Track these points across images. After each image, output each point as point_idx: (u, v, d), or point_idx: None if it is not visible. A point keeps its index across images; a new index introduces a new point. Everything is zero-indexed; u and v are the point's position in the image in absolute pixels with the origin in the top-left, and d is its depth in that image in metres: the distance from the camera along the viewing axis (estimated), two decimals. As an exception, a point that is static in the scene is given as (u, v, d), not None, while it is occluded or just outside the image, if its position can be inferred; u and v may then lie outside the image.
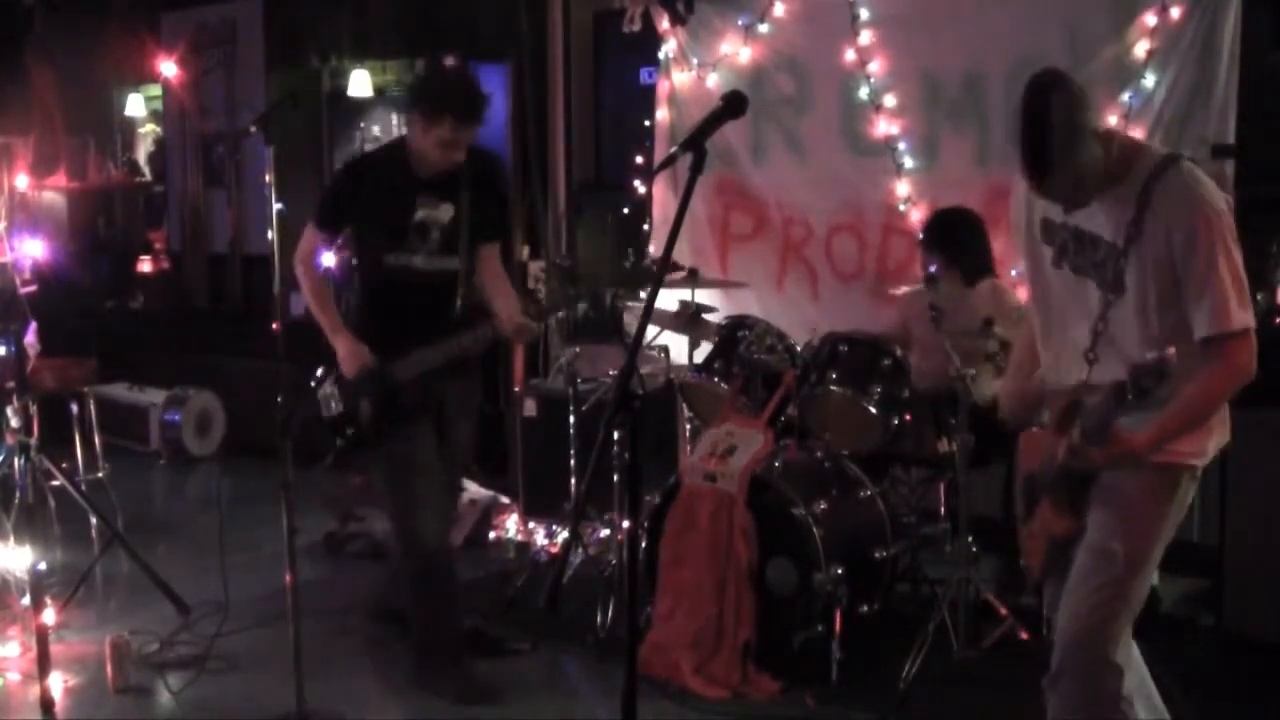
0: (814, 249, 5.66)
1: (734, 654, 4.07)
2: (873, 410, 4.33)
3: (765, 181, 5.78)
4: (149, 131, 9.78)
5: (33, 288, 5.53)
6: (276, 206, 3.80)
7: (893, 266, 5.39)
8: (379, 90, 7.45)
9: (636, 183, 6.23)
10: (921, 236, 4.77)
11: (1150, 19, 4.59)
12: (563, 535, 5.39)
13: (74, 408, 6.02)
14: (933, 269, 4.44)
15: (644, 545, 4.35)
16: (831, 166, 5.55)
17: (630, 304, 5.70)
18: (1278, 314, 4.36)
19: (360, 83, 7.31)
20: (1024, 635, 4.10)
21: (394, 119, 7.52)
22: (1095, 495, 2.84)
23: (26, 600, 4.36)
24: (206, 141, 8.47)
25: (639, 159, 6.22)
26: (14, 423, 4.90)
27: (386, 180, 3.99)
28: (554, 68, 6.55)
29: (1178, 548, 2.93)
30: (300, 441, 3.76)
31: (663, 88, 6.05)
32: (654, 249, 6.11)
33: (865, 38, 5.32)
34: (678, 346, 4.99)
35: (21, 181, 8.86)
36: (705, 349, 4.85)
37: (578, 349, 5.03)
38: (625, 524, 4.43)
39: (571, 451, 4.92)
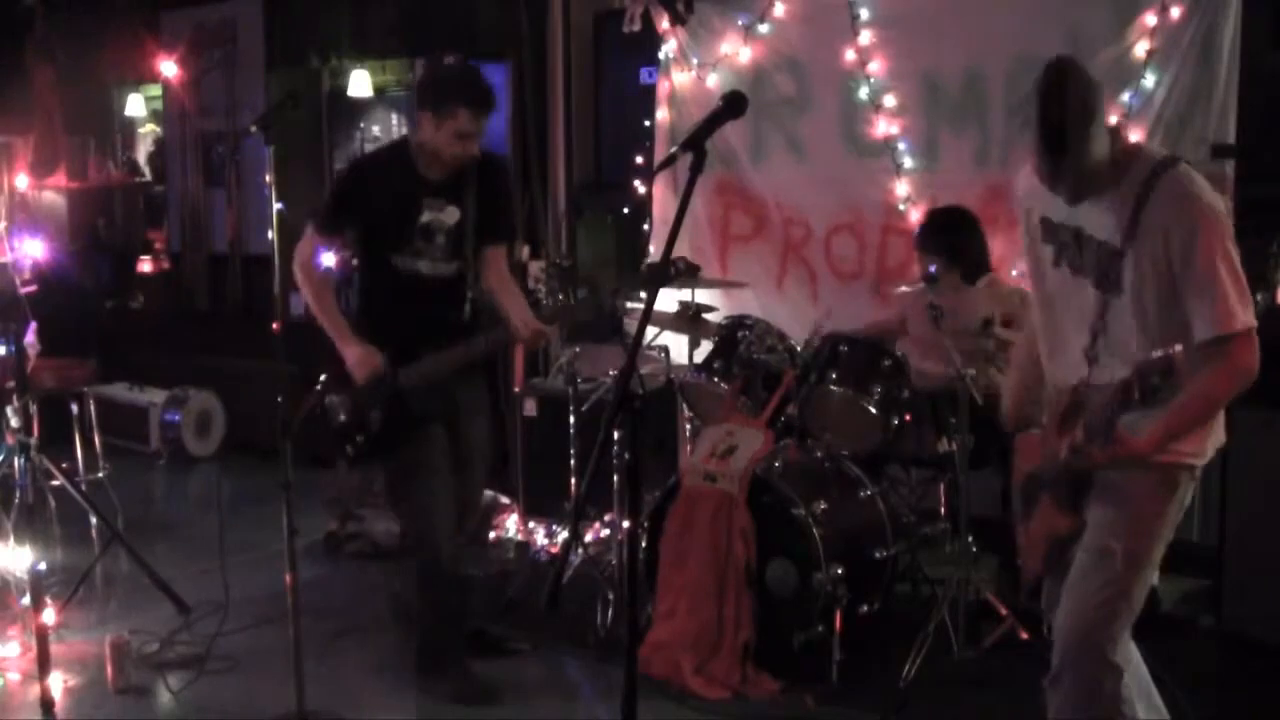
0: (814, 249, 5.66)
1: (734, 654, 4.07)
2: (873, 410, 4.34)
3: (765, 182, 5.78)
4: (149, 131, 9.78)
5: (33, 288, 5.53)
6: (276, 206, 3.81)
7: (892, 266, 5.39)
8: (379, 90, 7.46)
9: (636, 183, 6.23)
10: (919, 237, 4.77)
11: (1150, 19, 4.59)
12: (563, 535, 5.39)
13: (74, 408, 6.02)
14: (932, 269, 4.44)
15: (644, 545, 4.35)
16: (831, 167, 5.55)
17: (630, 304, 5.71)
18: (1278, 314, 4.36)
19: (360, 83, 7.31)
20: (1024, 635, 4.10)
21: (394, 119, 7.53)
22: (1095, 494, 2.85)
23: (26, 600, 4.36)
24: (206, 141, 8.47)
25: (639, 159, 6.22)
26: (14, 423, 4.91)
27: (391, 182, 3.95)
28: (554, 68, 6.55)
29: (1178, 548, 2.93)
30: (305, 444, 3.76)
31: (663, 88, 6.05)
32: (654, 249, 6.12)
33: (865, 38, 5.32)
34: (678, 346, 4.99)
35: (21, 181, 8.87)
36: (705, 349, 4.85)
37: (578, 349, 5.02)
38: (625, 524, 4.43)
39: (571, 451, 4.92)
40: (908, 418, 4.42)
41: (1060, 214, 2.85)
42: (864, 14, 5.30)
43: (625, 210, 6.38)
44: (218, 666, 4.24)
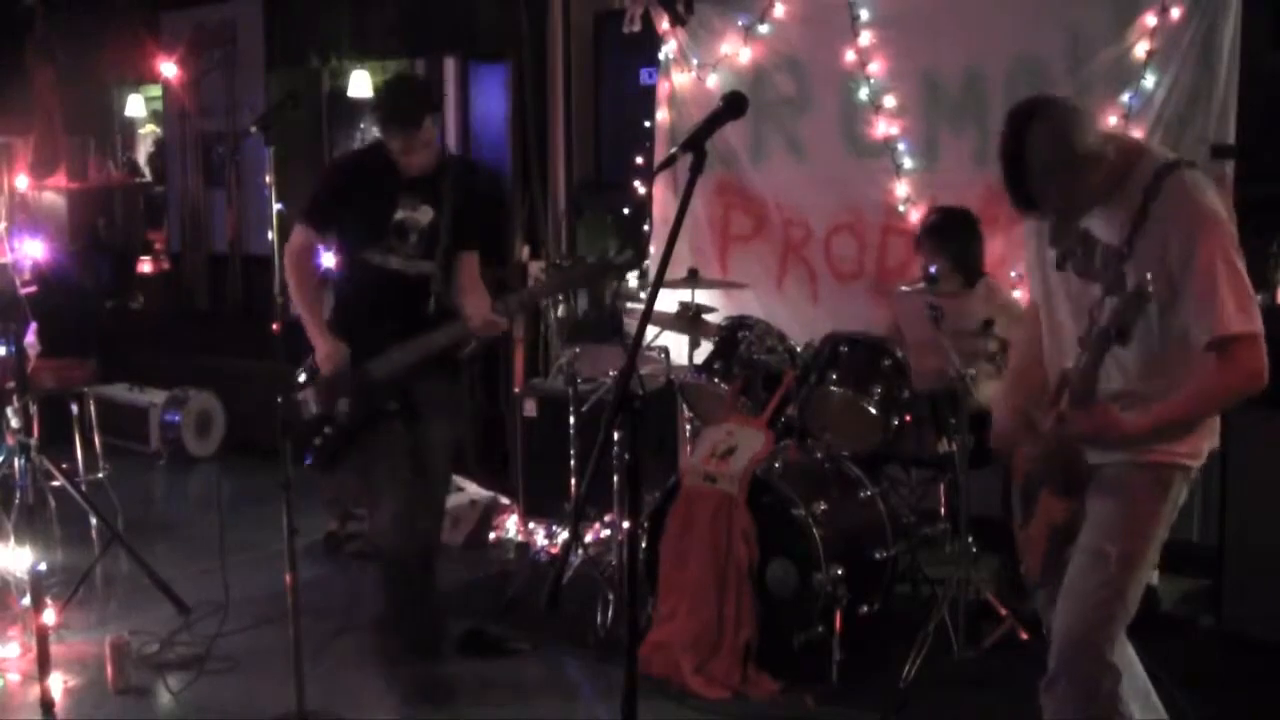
0: (814, 249, 5.66)
1: (734, 654, 4.07)
2: (873, 410, 4.34)
3: (765, 182, 5.78)
4: (149, 131, 9.79)
5: (33, 288, 5.53)
6: (276, 206, 3.83)
7: (892, 266, 5.39)
8: (379, 90, 7.45)
9: (636, 183, 6.23)
10: (921, 236, 4.77)
11: (1150, 19, 4.59)
12: (563, 535, 5.39)
13: (74, 408, 6.02)
14: (932, 269, 4.44)
15: (644, 545, 4.35)
16: (831, 167, 5.55)
17: (630, 305, 5.72)
18: (1278, 314, 4.36)
19: (360, 83, 7.31)
20: (1024, 635, 4.10)
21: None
22: (1091, 493, 2.85)
23: (26, 600, 4.36)
24: (206, 141, 8.47)
25: (639, 159, 6.22)
26: (14, 423, 4.90)
27: (370, 179, 4.02)
28: (554, 68, 6.55)
29: (1178, 548, 2.93)
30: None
31: (663, 88, 6.05)
32: (654, 249, 6.12)
33: (865, 38, 5.31)
34: (678, 347, 4.99)
35: (21, 181, 8.87)
36: (705, 349, 4.85)
37: (578, 349, 5.02)
38: (625, 524, 4.43)
39: (571, 451, 4.92)
40: (908, 418, 4.42)
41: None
42: (864, 14, 5.30)
43: (625, 210, 6.38)
44: (218, 666, 4.24)
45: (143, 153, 9.89)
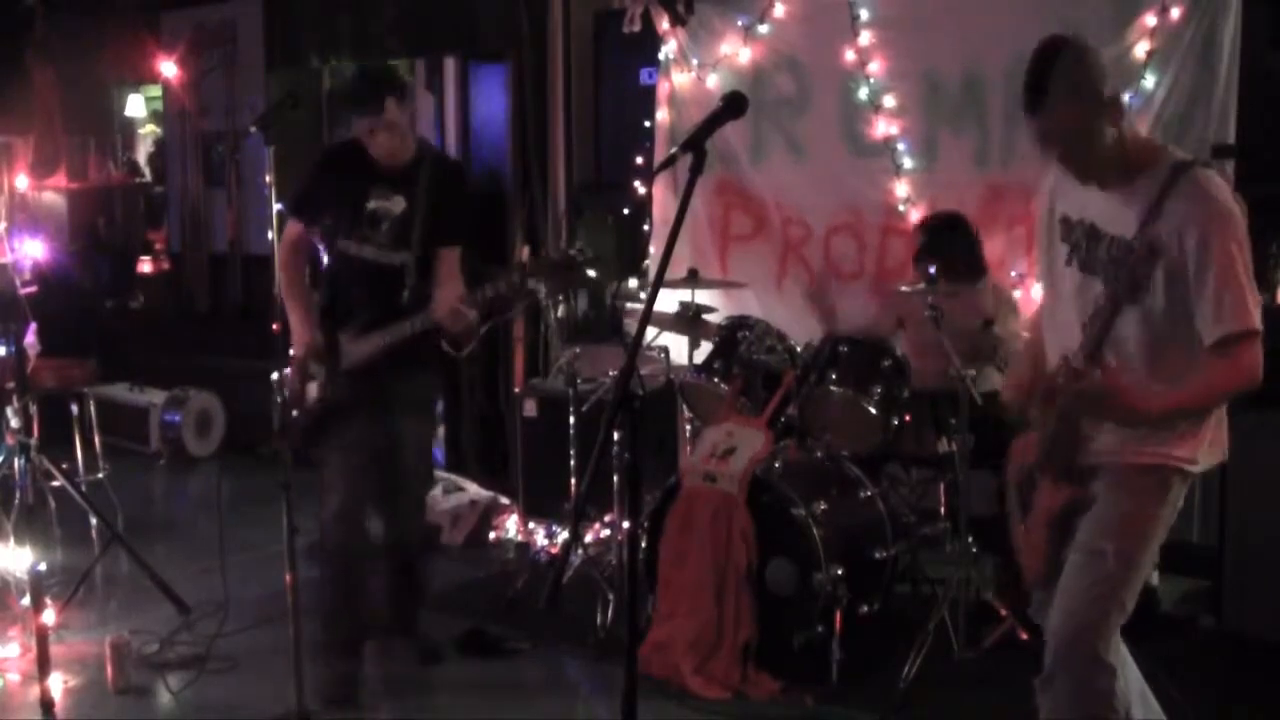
0: (813, 249, 5.66)
1: (734, 654, 4.07)
2: (873, 410, 4.34)
3: (765, 182, 5.78)
4: (149, 131, 9.80)
5: (33, 288, 5.53)
6: (276, 206, 3.82)
7: (892, 266, 5.38)
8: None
9: (636, 183, 6.23)
10: (917, 243, 4.78)
11: (1150, 19, 4.59)
12: (563, 535, 5.39)
13: (74, 408, 6.02)
14: (932, 270, 4.44)
15: (644, 545, 4.35)
16: (831, 167, 5.55)
17: (630, 305, 5.72)
18: (1278, 315, 4.36)
19: (360, 83, 7.30)
20: (1024, 635, 4.10)
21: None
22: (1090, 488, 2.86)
23: (26, 600, 4.36)
24: (206, 141, 8.47)
25: (639, 159, 6.21)
26: (14, 423, 4.90)
27: (345, 169, 4.05)
28: (554, 68, 6.55)
29: (1178, 548, 2.94)
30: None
31: (663, 88, 6.05)
32: (654, 249, 6.12)
33: (865, 38, 5.31)
34: (678, 346, 4.99)
35: (21, 181, 8.87)
36: (705, 349, 4.85)
37: (578, 349, 5.03)
38: (625, 524, 4.44)
39: (571, 451, 4.92)
40: (908, 418, 4.42)
41: (1077, 211, 2.86)
42: (864, 14, 5.30)
43: (625, 210, 6.37)
44: (218, 666, 4.24)
45: (143, 153, 9.90)
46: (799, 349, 4.67)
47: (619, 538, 4.59)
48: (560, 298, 6.09)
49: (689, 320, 4.79)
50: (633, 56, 6.26)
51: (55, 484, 5.14)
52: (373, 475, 4.06)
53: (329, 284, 4.20)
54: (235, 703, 4.03)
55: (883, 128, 5.32)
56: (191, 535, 5.80)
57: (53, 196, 9.07)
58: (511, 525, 5.73)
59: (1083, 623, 2.80)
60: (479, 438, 6.80)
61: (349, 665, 4.05)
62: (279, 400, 4.02)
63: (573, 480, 4.94)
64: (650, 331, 4.86)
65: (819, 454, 4.46)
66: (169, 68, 8.30)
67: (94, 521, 5.26)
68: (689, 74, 5.91)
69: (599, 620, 4.43)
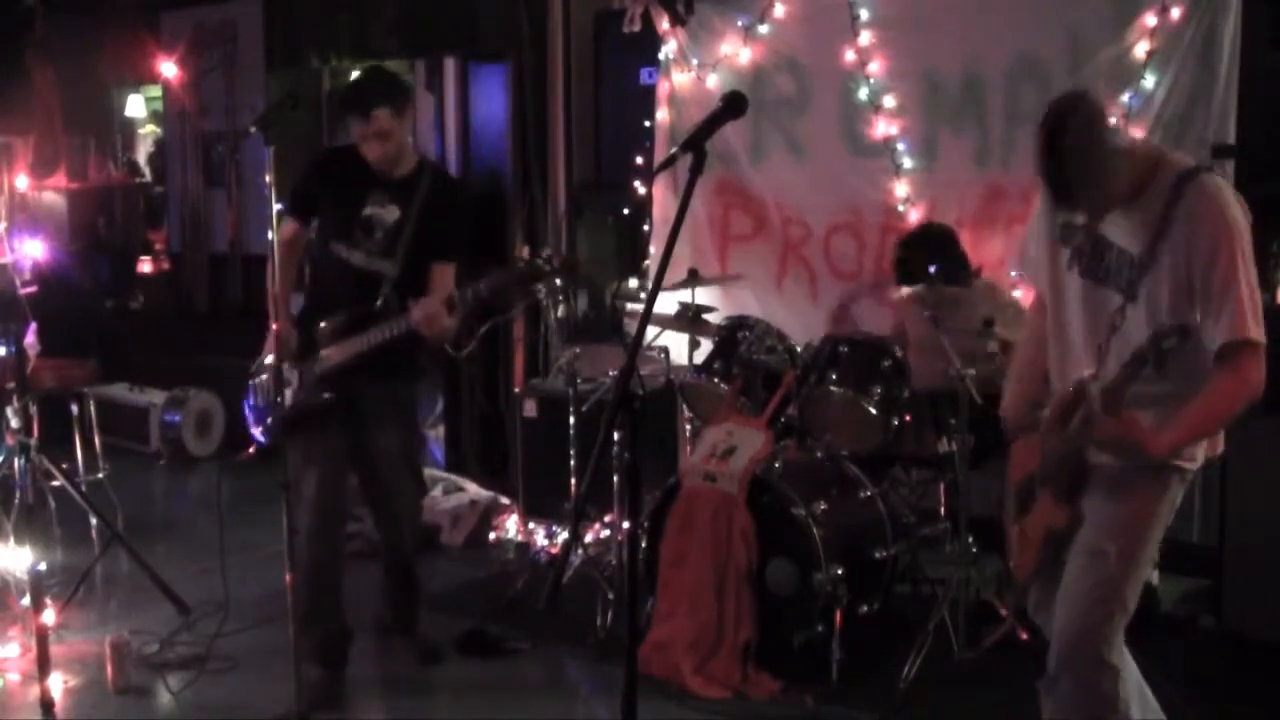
0: (813, 249, 5.66)
1: (734, 654, 4.07)
2: (873, 410, 4.34)
3: (765, 182, 5.78)
4: (149, 131, 9.80)
5: (33, 288, 5.53)
6: (276, 206, 3.81)
7: (891, 266, 5.38)
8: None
9: (636, 183, 6.23)
10: (896, 263, 4.78)
11: (1150, 19, 4.58)
12: (563, 535, 5.39)
13: (74, 408, 6.02)
14: (931, 270, 4.44)
15: (644, 545, 4.35)
16: (831, 167, 5.55)
17: (630, 305, 5.71)
18: (1278, 314, 4.35)
19: (360, 83, 7.30)
20: (1024, 635, 4.10)
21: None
22: (1089, 493, 2.86)
23: (26, 600, 4.36)
24: (206, 141, 8.47)
25: (639, 159, 6.21)
26: (14, 423, 4.90)
27: (343, 172, 4.06)
28: (554, 68, 6.55)
29: (1178, 548, 2.95)
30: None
31: (663, 88, 6.05)
32: (654, 249, 6.12)
33: (865, 38, 5.31)
34: (678, 346, 4.99)
35: (21, 181, 8.87)
36: (705, 349, 4.85)
37: (578, 349, 5.03)
38: (625, 524, 4.44)
39: (571, 451, 4.92)
40: (908, 418, 4.42)
41: (1082, 218, 2.86)
42: (864, 14, 5.30)
43: (625, 210, 6.37)
44: (218, 666, 4.24)
45: (143, 153, 9.90)
46: (799, 349, 4.67)
47: (619, 538, 4.59)
48: (560, 298, 6.09)
49: (689, 320, 4.79)
50: (633, 56, 6.26)
51: (55, 484, 5.14)
52: (346, 480, 4.07)
53: (314, 284, 4.21)
54: (235, 703, 4.03)
55: (883, 128, 5.32)
56: (191, 535, 5.80)
57: (53, 196, 9.06)
58: (511, 525, 5.73)
59: (1087, 624, 2.80)
60: (479, 438, 6.80)
61: (326, 668, 4.03)
62: (255, 400, 4.04)
63: (573, 480, 4.94)
64: (650, 331, 4.86)
65: (819, 454, 4.46)
66: (169, 68, 8.30)
67: (94, 521, 5.26)
68: (689, 74, 5.91)
69: (599, 620, 4.43)
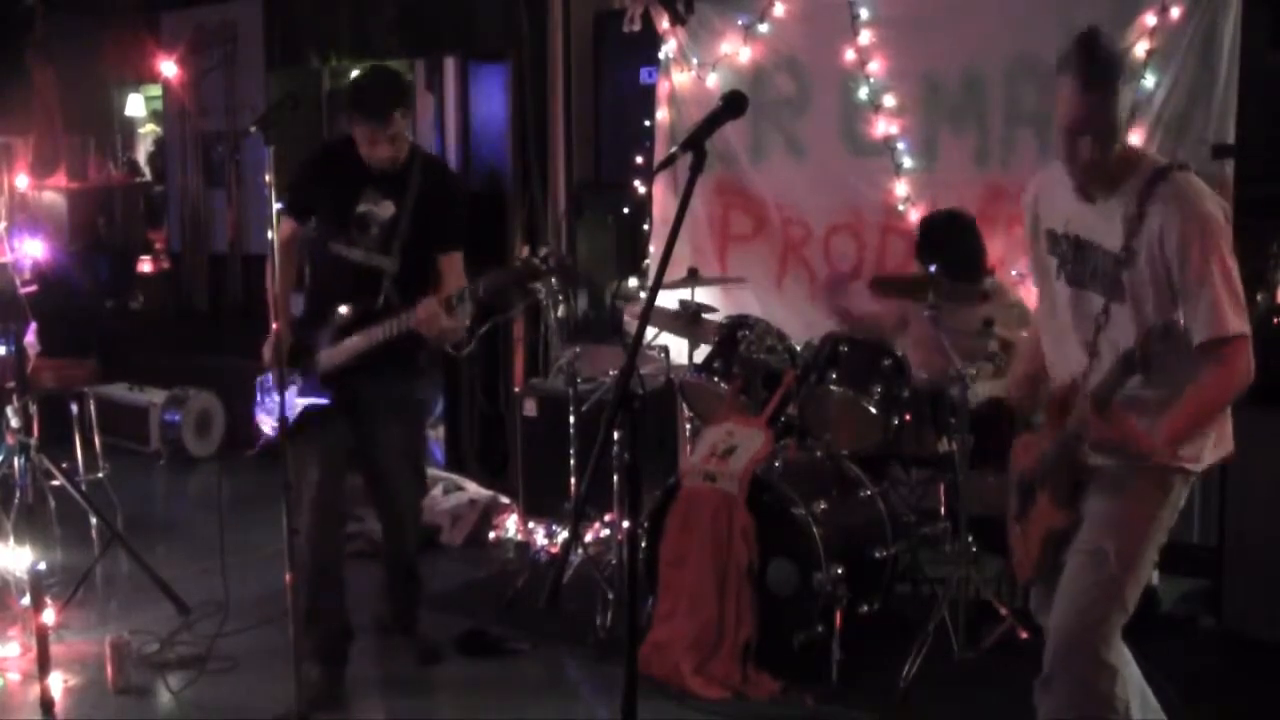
0: (813, 249, 5.66)
1: (734, 654, 4.07)
2: (873, 410, 4.33)
3: (765, 181, 5.77)
4: (149, 131, 9.80)
5: (33, 288, 5.52)
6: (276, 206, 3.81)
7: (891, 267, 5.38)
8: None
9: (636, 183, 6.23)
10: (917, 244, 4.78)
11: (1150, 19, 4.58)
12: (563, 535, 5.39)
13: (74, 408, 6.02)
14: (932, 269, 4.44)
15: (644, 545, 4.35)
16: (830, 167, 5.55)
17: (630, 304, 5.71)
18: (1278, 314, 4.36)
19: (360, 83, 7.30)
20: (1024, 635, 4.10)
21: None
22: (1090, 493, 2.86)
23: (26, 600, 4.36)
24: (206, 141, 8.47)
25: (639, 159, 6.21)
26: (14, 423, 4.91)
27: (337, 170, 4.06)
28: (554, 68, 6.55)
29: (1178, 548, 2.94)
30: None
31: (663, 88, 6.05)
32: (654, 249, 6.12)
33: (865, 38, 5.31)
34: (678, 346, 4.99)
35: (21, 181, 8.87)
36: (705, 349, 4.85)
37: (578, 349, 5.03)
38: (625, 524, 4.43)
39: (571, 451, 4.92)
40: (908, 418, 4.42)
41: (1061, 225, 2.87)
42: (864, 14, 5.30)
43: (625, 210, 6.37)
44: (218, 666, 4.24)
45: (143, 153, 9.90)
46: (799, 349, 4.67)
47: (619, 538, 4.59)
48: (560, 297, 6.09)
49: (689, 320, 4.79)
50: (633, 56, 6.26)
51: (55, 484, 5.14)
52: (346, 479, 4.07)
53: (315, 283, 4.21)
54: (235, 703, 4.03)
55: (882, 127, 5.32)
56: (191, 535, 5.80)
57: (53, 196, 9.06)
58: (511, 525, 5.73)
59: (1084, 623, 2.80)
60: (479, 438, 6.80)
61: (325, 668, 4.03)
62: (263, 400, 4.04)
63: (573, 480, 4.94)
64: (650, 331, 4.86)
65: (819, 454, 4.46)
66: (169, 68, 8.30)
67: (94, 521, 5.26)
68: (689, 73, 5.91)
69: (599, 620, 4.43)
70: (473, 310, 3.96)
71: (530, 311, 6.44)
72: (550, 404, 5.51)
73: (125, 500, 5.72)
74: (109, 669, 4.11)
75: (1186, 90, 4.55)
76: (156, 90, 9.01)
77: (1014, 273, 4.88)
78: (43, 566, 4.04)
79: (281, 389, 3.69)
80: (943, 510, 4.59)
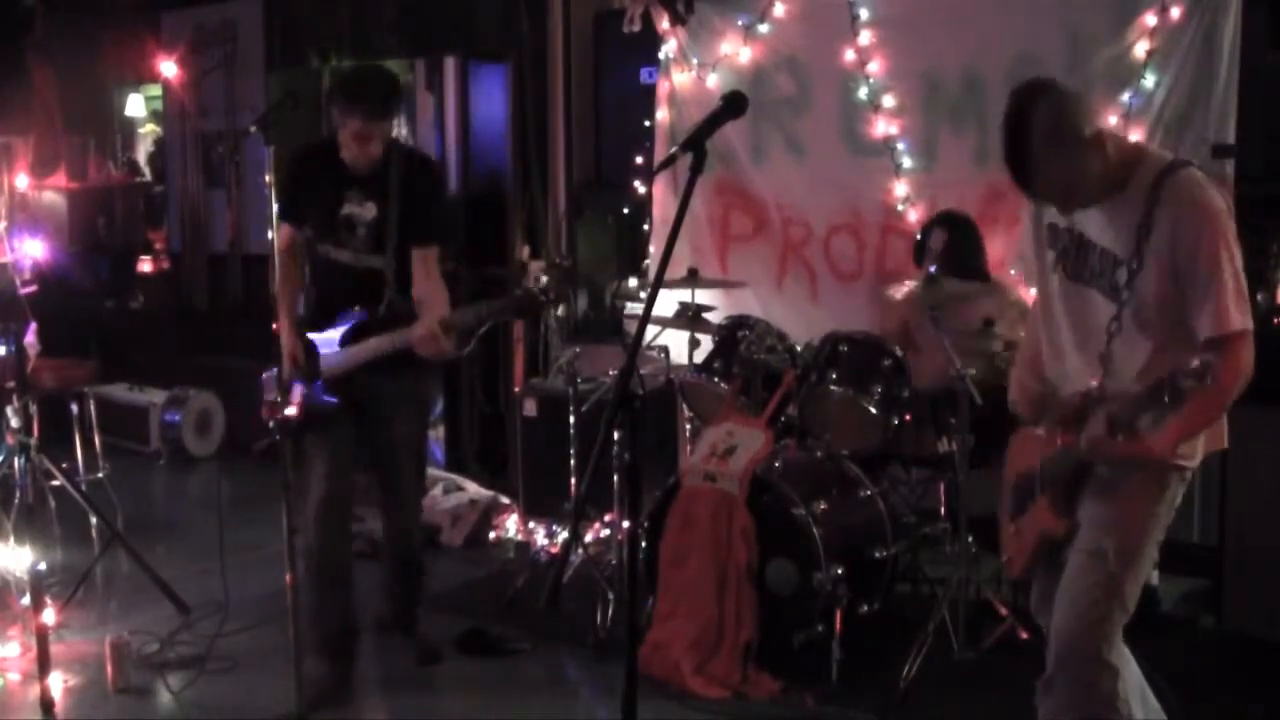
0: (813, 249, 5.66)
1: (734, 654, 4.07)
2: (873, 410, 4.34)
3: (765, 182, 5.77)
4: (149, 131, 9.79)
5: (33, 288, 5.53)
6: (276, 206, 3.82)
7: (892, 267, 5.38)
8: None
9: (636, 183, 6.23)
10: (918, 239, 4.78)
11: (1150, 19, 4.58)
12: (563, 535, 5.39)
13: (74, 408, 6.02)
14: (933, 269, 4.44)
15: (644, 545, 4.35)
16: (831, 167, 5.55)
17: (630, 304, 5.71)
18: (1278, 314, 4.36)
19: (360, 83, 7.30)
20: (1024, 635, 4.10)
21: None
22: (1087, 495, 2.86)
23: (26, 600, 4.36)
24: (206, 141, 8.47)
25: (639, 159, 6.21)
26: (14, 423, 4.90)
27: (317, 173, 4.04)
28: (554, 68, 6.55)
29: (1178, 548, 2.94)
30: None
31: (663, 88, 6.05)
32: (654, 249, 6.12)
33: (865, 38, 5.31)
34: (678, 346, 4.99)
35: (21, 181, 8.87)
36: (705, 349, 4.85)
37: (578, 349, 5.03)
38: (625, 524, 4.43)
39: (571, 451, 4.92)
40: (908, 418, 4.42)
41: (1063, 220, 2.87)
42: (864, 14, 5.30)
43: (625, 210, 6.37)
44: (218, 666, 4.24)
45: (143, 153, 9.88)
46: (799, 349, 4.67)
47: (619, 538, 4.59)
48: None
49: (689, 320, 4.79)
50: (633, 56, 6.27)
51: (55, 483, 5.14)
52: (353, 476, 4.07)
53: (315, 285, 4.20)
54: (235, 703, 4.03)
55: (882, 127, 5.32)
56: (191, 535, 5.80)
57: (53, 196, 9.06)
58: (511, 525, 5.73)
59: (1085, 623, 2.80)
60: (479, 437, 6.81)
61: (331, 666, 4.03)
62: (269, 400, 4.04)
63: (573, 480, 4.94)
64: (650, 331, 4.86)
65: (819, 454, 4.46)
66: (169, 68, 8.30)
67: (94, 521, 5.26)
68: (689, 73, 5.91)
69: (599, 620, 4.43)
70: (467, 334, 3.97)
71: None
72: (550, 404, 5.51)
73: (125, 500, 5.72)
74: (109, 669, 4.11)
75: (1186, 90, 4.55)
76: (156, 90, 9.00)
77: (1013, 272, 4.88)
78: (43, 566, 4.04)
79: (283, 389, 3.70)
80: (943, 510, 4.59)
